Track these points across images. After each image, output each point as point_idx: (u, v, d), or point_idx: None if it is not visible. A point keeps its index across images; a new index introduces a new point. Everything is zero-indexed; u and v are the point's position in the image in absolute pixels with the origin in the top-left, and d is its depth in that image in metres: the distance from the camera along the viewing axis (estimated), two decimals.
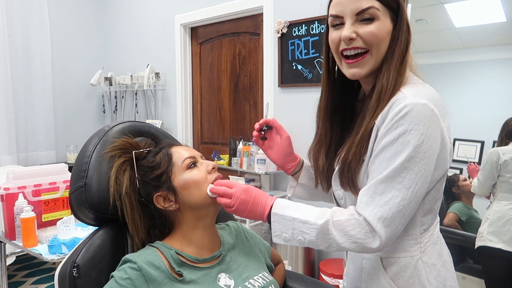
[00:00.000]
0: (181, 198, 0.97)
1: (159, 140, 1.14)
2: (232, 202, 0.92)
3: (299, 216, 0.87)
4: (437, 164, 0.82)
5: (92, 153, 1.03)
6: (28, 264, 3.19)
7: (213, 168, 1.01)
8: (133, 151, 1.02)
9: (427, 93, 0.82)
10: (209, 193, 0.96)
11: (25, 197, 1.76)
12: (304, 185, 1.14)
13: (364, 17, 0.85)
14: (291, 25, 2.67)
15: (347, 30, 0.86)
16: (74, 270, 0.92)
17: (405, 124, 0.78)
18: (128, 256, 0.91)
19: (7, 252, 1.96)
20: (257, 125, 1.10)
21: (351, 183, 0.90)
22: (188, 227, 1.00)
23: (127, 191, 0.98)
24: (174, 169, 0.98)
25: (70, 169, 1.98)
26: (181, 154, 1.00)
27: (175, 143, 1.08)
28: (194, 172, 0.98)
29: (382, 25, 0.86)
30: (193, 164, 0.99)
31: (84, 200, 0.99)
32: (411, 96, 0.79)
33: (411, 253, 0.88)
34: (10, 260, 2.33)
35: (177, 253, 0.95)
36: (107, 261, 0.97)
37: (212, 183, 0.97)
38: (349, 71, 0.89)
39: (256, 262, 1.08)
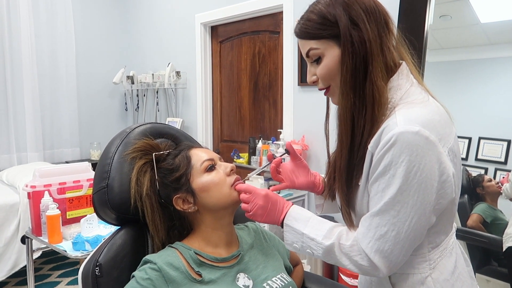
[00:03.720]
0: (200, 200, 0.98)
1: (180, 142, 1.16)
2: (249, 207, 0.94)
3: (308, 232, 0.88)
4: (441, 193, 0.77)
5: (114, 154, 1.06)
6: (53, 258, 3.29)
7: (232, 170, 1.02)
8: (153, 153, 1.03)
9: (423, 115, 0.76)
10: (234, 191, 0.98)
11: (50, 195, 1.81)
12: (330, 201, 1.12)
13: (312, 59, 0.86)
14: None
15: (308, 76, 0.90)
16: (97, 269, 0.94)
17: (393, 155, 0.74)
18: (148, 257, 0.93)
19: (34, 247, 2.03)
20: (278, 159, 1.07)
21: (347, 204, 0.89)
22: (207, 228, 1.01)
23: (147, 193, 1.00)
24: (192, 172, 0.99)
25: (93, 166, 2.04)
26: (199, 156, 1.01)
27: (195, 145, 1.09)
28: (212, 175, 0.99)
29: (330, 60, 0.83)
30: (211, 167, 1.00)
31: (106, 200, 1.01)
32: (402, 122, 0.75)
33: (419, 270, 0.85)
34: (36, 254, 2.41)
35: (196, 253, 0.96)
36: (128, 261, 0.99)
37: (232, 186, 0.99)
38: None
39: (274, 263, 1.08)
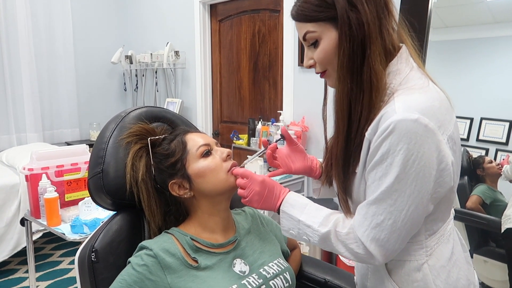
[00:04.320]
0: (196, 186, 0.97)
1: (176, 126, 1.14)
2: (246, 193, 0.93)
3: (304, 219, 0.87)
4: (439, 182, 0.76)
5: (109, 139, 1.04)
6: (55, 238, 3.32)
7: (228, 155, 1.00)
8: (149, 138, 1.02)
9: (423, 102, 0.74)
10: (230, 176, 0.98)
11: (48, 178, 1.81)
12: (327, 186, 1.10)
13: (309, 42, 0.84)
14: None
15: (304, 60, 0.88)
16: (93, 255, 0.94)
17: (391, 143, 0.72)
18: (144, 243, 0.92)
19: (34, 229, 2.03)
20: (273, 145, 1.05)
21: (344, 191, 0.87)
22: (203, 214, 1.00)
23: (143, 178, 0.99)
24: (188, 157, 0.97)
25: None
26: (195, 141, 0.99)
27: (191, 129, 1.08)
28: (208, 160, 0.97)
29: (327, 44, 0.81)
30: (207, 152, 0.98)
31: (102, 186, 1.00)
32: (401, 109, 0.72)
33: (416, 257, 0.85)
34: (37, 235, 2.42)
35: (192, 239, 0.96)
36: (125, 246, 0.99)
37: (228, 172, 0.97)
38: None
39: (271, 248, 1.08)
